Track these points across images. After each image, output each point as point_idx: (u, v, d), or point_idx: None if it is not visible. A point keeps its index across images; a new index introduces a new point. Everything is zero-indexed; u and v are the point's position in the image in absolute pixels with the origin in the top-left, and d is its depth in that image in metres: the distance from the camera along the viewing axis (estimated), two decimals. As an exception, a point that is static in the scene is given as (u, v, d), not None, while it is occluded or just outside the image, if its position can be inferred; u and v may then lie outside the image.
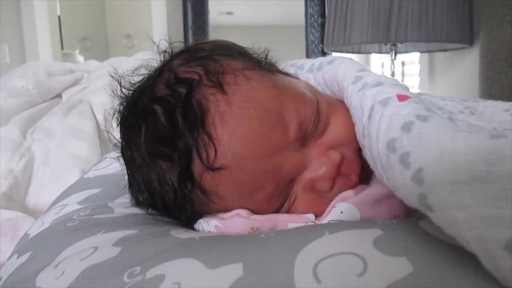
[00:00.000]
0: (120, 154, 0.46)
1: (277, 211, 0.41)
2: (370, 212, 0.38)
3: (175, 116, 0.38)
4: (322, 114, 0.42)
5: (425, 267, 0.26)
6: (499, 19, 1.07)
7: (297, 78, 0.50)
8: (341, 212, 0.38)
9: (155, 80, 0.42)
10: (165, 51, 0.46)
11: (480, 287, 0.24)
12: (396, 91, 0.36)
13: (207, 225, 0.41)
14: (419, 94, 0.54)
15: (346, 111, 0.42)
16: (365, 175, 0.43)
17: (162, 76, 0.42)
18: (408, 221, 0.32)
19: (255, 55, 0.48)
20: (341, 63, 0.45)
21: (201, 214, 0.42)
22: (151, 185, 0.41)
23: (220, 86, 0.39)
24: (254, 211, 0.40)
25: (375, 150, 0.34)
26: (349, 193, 0.40)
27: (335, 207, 0.39)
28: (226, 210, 0.41)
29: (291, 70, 0.52)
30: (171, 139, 0.38)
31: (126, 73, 0.48)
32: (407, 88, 0.38)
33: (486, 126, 0.45)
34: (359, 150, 0.41)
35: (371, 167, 0.37)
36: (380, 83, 0.38)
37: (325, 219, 0.38)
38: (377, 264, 0.27)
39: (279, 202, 0.41)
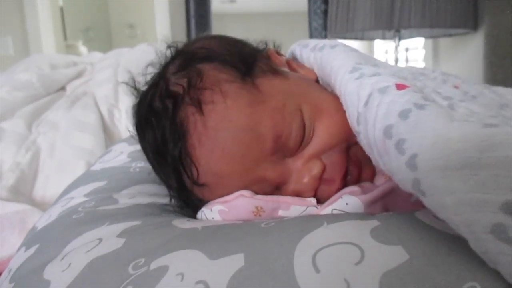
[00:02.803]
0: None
1: None
2: (374, 208, 0.39)
3: (165, 133, 0.42)
4: (306, 124, 0.42)
5: (420, 255, 0.26)
6: (503, 4, 1.06)
7: (295, 70, 0.51)
8: (346, 204, 0.39)
9: (153, 89, 0.46)
10: (170, 46, 0.49)
11: (473, 273, 0.25)
12: (394, 80, 0.36)
13: (211, 211, 0.42)
14: (422, 72, 0.54)
15: (334, 110, 0.43)
16: (363, 170, 0.43)
17: (158, 86, 0.45)
18: (404, 212, 0.33)
19: (247, 50, 0.48)
20: (342, 52, 0.46)
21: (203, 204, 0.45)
22: (164, 181, 0.47)
23: (198, 105, 0.41)
24: None
25: (371, 136, 0.34)
26: (354, 188, 0.40)
27: (341, 197, 0.39)
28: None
29: (297, 50, 0.53)
30: (164, 153, 0.43)
31: (137, 73, 0.51)
32: (404, 79, 0.38)
33: (499, 99, 0.46)
34: (347, 148, 0.43)
35: (366, 152, 0.37)
36: (378, 73, 0.39)
37: (329, 207, 0.39)
38: (374, 252, 0.27)
39: None
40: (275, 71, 0.47)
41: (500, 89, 0.52)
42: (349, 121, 0.40)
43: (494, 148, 0.25)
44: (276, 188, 0.43)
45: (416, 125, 0.30)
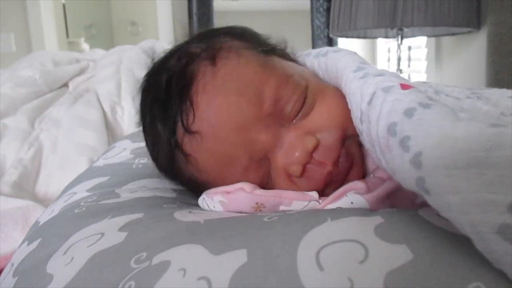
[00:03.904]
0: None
1: (262, 187, 0.43)
2: (378, 207, 0.38)
3: (171, 83, 0.43)
4: (308, 98, 0.43)
5: (425, 255, 0.26)
6: (507, 3, 1.06)
7: (302, 65, 0.51)
8: (352, 203, 0.38)
9: (171, 54, 0.48)
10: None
11: (478, 273, 0.24)
12: (398, 80, 0.36)
13: (212, 200, 0.43)
14: (423, 83, 0.54)
15: (337, 97, 0.43)
16: (354, 166, 0.43)
17: (177, 52, 0.47)
18: (408, 210, 0.33)
19: (267, 41, 0.51)
20: (346, 54, 0.46)
21: (194, 185, 0.46)
22: (153, 145, 0.48)
23: (212, 59, 0.43)
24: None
25: (374, 134, 0.34)
26: (359, 184, 0.40)
27: (346, 195, 0.39)
28: (211, 181, 0.44)
29: (299, 60, 0.54)
30: (165, 102, 0.43)
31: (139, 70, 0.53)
32: (407, 81, 0.38)
33: (494, 110, 0.45)
34: (343, 139, 0.42)
35: (368, 151, 0.37)
36: (382, 73, 0.39)
37: (333, 204, 0.39)
38: (378, 251, 0.27)
39: (259, 177, 0.43)
40: (290, 59, 0.50)
41: (496, 94, 0.51)
42: (353, 121, 0.40)
43: (502, 147, 0.25)
44: (265, 157, 0.42)
45: (421, 123, 0.30)
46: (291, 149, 0.42)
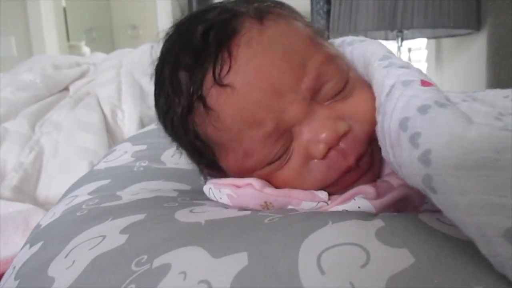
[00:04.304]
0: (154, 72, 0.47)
1: (271, 162, 0.41)
2: (383, 211, 0.38)
3: (209, 33, 0.40)
4: (348, 84, 0.41)
5: (426, 259, 0.26)
6: (506, 4, 1.06)
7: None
8: (358, 207, 0.38)
9: (210, 9, 0.44)
10: None
11: (479, 277, 0.24)
12: (421, 76, 0.36)
13: (219, 192, 0.42)
14: None
15: (371, 91, 0.41)
16: (374, 166, 0.42)
17: (218, 8, 0.43)
18: (409, 214, 0.33)
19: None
20: (373, 43, 0.46)
21: (201, 147, 0.43)
22: (169, 97, 0.43)
23: (260, 18, 0.40)
24: (249, 152, 0.40)
25: (386, 126, 0.34)
26: (369, 188, 0.38)
27: (354, 199, 0.38)
28: (225, 143, 0.41)
29: None
30: (198, 50, 0.40)
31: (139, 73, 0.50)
32: (430, 79, 0.37)
33: (492, 110, 0.45)
34: (371, 138, 0.40)
35: (379, 143, 0.36)
36: (406, 66, 0.38)
37: (340, 206, 0.39)
38: (379, 255, 0.27)
39: (275, 150, 0.40)
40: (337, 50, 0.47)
41: (489, 95, 0.52)
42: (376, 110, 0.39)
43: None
44: (289, 131, 0.40)
45: (434, 121, 0.30)
46: (320, 127, 0.39)
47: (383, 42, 2.06)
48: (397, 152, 0.32)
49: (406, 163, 0.30)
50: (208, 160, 0.44)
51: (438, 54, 1.72)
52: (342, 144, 0.39)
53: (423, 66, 1.84)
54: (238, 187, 0.41)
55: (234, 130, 0.40)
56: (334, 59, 0.42)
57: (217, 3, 0.45)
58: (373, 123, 0.38)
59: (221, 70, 0.38)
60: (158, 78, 0.45)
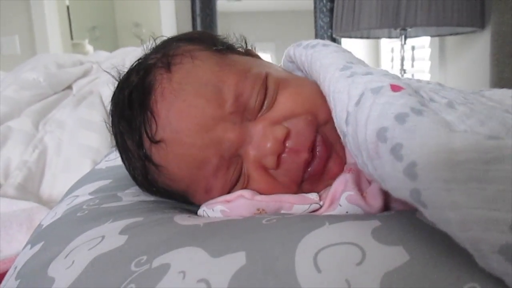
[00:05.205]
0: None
1: (232, 187, 0.42)
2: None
3: (132, 96, 0.43)
4: (269, 89, 0.42)
5: (421, 256, 0.26)
6: (510, 2, 1.05)
7: (261, 59, 0.52)
8: (346, 212, 0.38)
9: (132, 70, 0.47)
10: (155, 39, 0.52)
11: (474, 274, 0.24)
12: (389, 80, 0.34)
13: (212, 211, 0.42)
14: (417, 80, 0.53)
15: (302, 84, 0.43)
16: (332, 155, 0.42)
17: (136, 66, 0.47)
18: (405, 212, 0.33)
19: (224, 40, 0.50)
20: (334, 51, 0.45)
21: (172, 196, 0.46)
22: (128, 163, 0.47)
23: (168, 66, 0.42)
24: (208, 189, 0.42)
25: (361, 137, 0.32)
26: (356, 196, 0.38)
27: (340, 205, 0.38)
28: (186, 189, 0.44)
29: (291, 50, 0.52)
30: (129, 118, 0.43)
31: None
32: (398, 78, 0.36)
33: (500, 107, 0.44)
34: (315, 123, 0.41)
35: (352, 155, 0.35)
36: (370, 73, 0.37)
37: (330, 212, 0.39)
38: (375, 253, 0.27)
39: (230, 177, 0.42)
40: (249, 54, 0.49)
41: (497, 94, 0.50)
42: (335, 121, 0.38)
43: (501, 161, 0.23)
44: (236, 155, 0.42)
45: (414, 132, 0.28)
46: (262, 141, 0.41)
47: (387, 40, 2.05)
48: (378, 165, 0.30)
49: (389, 176, 0.29)
50: (184, 200, 0.47)
51: (442, 52, 1.71)
52: (288, 144, 0.41)
53: (426, 64, 1.84)
54: (229, 201, 0.42)
55: (186, 177, 0.42)
56: (247, 74, 0.43)
57: (137, 59, 0.48)
58: (309, 110, 0.41)
59: (150, 129, 0.41)
60: (117, 145, 0.49)
